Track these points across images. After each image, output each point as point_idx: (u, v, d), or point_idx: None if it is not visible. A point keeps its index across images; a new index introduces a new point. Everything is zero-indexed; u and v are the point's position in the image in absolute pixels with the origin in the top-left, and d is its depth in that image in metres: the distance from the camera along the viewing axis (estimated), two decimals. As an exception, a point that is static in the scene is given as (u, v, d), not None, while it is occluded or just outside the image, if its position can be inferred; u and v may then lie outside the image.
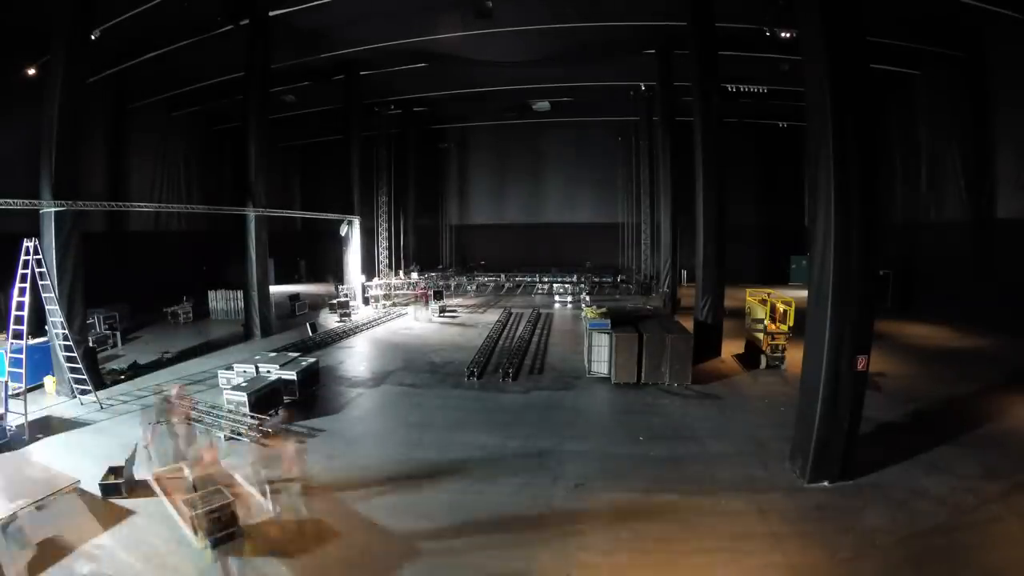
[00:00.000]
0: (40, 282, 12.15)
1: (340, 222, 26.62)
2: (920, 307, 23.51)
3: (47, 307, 12.76)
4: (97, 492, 8.37)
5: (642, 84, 28.09)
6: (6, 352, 11.42)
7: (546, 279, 32.46)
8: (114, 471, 8.59)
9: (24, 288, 11.63)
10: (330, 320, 23.88)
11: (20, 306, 11.58)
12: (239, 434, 10.59)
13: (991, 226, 20.69)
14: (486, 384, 14.57)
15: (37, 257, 11.96)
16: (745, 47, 20.25)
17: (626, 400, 13.13)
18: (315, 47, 23.10)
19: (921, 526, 7.50)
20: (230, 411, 11.35)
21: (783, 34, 17.41)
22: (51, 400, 13.00)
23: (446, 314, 25.06)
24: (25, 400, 11.00)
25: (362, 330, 21.73)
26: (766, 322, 15.47)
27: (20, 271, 11.72)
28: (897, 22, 18.17)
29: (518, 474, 9.23)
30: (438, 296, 27.85)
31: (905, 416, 11.66)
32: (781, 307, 15.46)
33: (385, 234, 33.48)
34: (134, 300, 23.26)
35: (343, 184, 27.44)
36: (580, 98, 31.43)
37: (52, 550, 6.96)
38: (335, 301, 25.58)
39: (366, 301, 27.74)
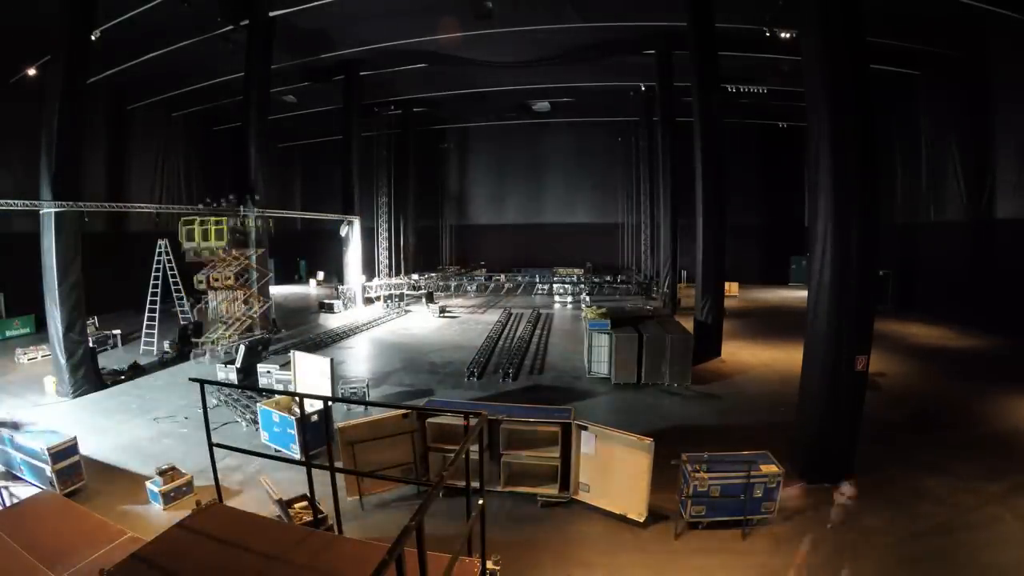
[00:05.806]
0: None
1: (340, 222, 26.65)
2: (920, 307, 23.52)
3: (47, 307, 12.80)
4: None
5: (642, 84, 28.07)
6: None
7: (546, 284, 32.32)
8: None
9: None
10: (330, 319, 23.97)
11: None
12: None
13: (991, 226, 20.67)
14: (486, 384, 14.57)
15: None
16: (745, 47, 20.23)
17: (626, 400, 13.11)
18: (315, 47, 23.11)
19: (921, 526, 7.50)
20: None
21: (783, 34, 17.42)
22: (50, 399, 13.03)
23: (446, 314, 25.06)
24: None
25: (362, 330, 21.75)
26: None
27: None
28: (897, 22, 18.15)
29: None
30: (430, 298, 27.98)
31: (905, 416, 11.65)
32: None
33: (385, 234, 33.51)
34: (134, 300, 23.21)
35: (343, 184, 27.46)
36: (580, 98, 31.43)
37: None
38: (327, 302, 26.12)
39: (367, 301, 27.80)
